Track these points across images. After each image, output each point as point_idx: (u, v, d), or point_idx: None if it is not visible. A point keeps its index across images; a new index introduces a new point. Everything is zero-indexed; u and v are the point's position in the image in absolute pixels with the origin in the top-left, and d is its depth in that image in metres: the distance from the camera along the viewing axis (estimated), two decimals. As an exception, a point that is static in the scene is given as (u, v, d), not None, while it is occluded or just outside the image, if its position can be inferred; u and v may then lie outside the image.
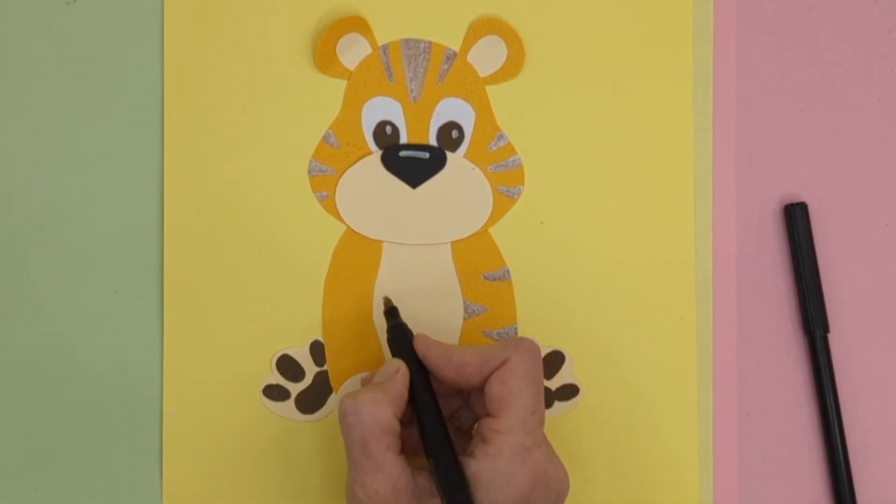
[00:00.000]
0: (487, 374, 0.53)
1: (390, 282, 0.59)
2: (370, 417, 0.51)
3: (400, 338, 0.55)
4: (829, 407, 0.60)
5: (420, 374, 0.54)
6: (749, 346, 0.61)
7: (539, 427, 0.52)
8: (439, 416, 0.53)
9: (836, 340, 0.61)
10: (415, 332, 0.55)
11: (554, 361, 0.60)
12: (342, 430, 0.52)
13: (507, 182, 0.60)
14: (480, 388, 0.53)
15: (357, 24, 0.59)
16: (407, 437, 0.54)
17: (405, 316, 0.58)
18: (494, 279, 0.60)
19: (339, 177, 0.59)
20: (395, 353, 0.55)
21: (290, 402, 0.59)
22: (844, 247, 0.61)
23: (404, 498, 0.51)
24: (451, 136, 0.60)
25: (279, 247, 0.59)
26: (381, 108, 0.60)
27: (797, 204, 0.61)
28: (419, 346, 0.54)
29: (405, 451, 0.53)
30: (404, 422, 0.53)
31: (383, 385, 0.53)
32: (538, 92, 0.60)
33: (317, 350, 0.59)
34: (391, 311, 0.57)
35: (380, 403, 0.52)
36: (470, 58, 0.60)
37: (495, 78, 0.60)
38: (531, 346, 0.53)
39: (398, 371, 0.53)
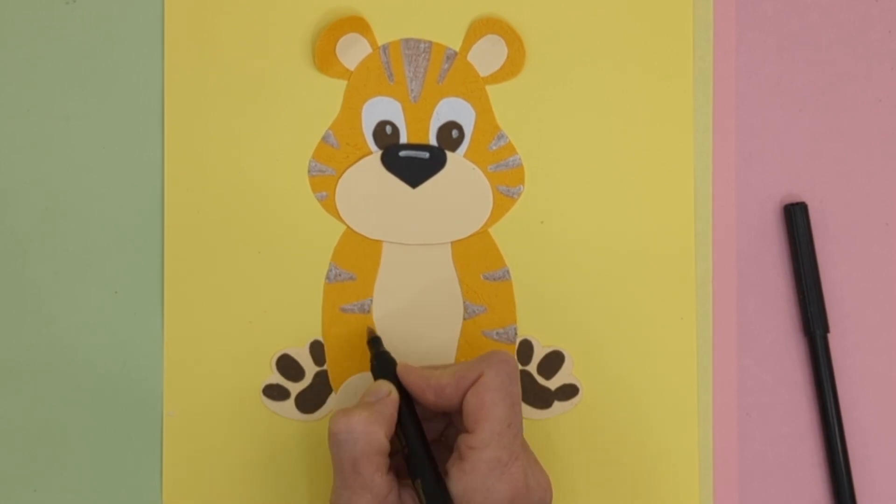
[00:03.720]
0: (464, 391, 0.53)
1: (390, 282, 0.59)
2: (364, 437, 0.51)
3: (384, 366, 0.56)
4: (829, 407, 0.60)
5: (405, 398, 0.54)
6: (749, 346, 0.61)
7: (515, 440, 0.52)
8: (424, 438, 0.54)
9: (836, 340, 0.61)
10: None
11: (554, 361, 0.60)
12: (331, 446, 0.52)
13: (507, 182, 0.60)
14: (460, 407, 0.53)
15: (357, 24, 0.59)
16: (394, 461, 0.54)
17: (406, 316, 0.58)
18: (494, 279, 0.60)
19: (339, 177, 0.59)
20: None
21: (290, 402, 0.59)
22: (844, 247, 0.61)
23: None
24: (451, 135, 0.60)
25: (279, 247, 0.59)
26: (381, 108, 0.60)
27: (797, 204, 0.61)
28: (402, 374, 0.54)
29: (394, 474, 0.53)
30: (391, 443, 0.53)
31: (376, 406, 0.53)
32: (538, 91, 0.60)
33: (317, 350, 0.59)
34: (374, 341, 0.57)
35: (374, 423, 0.52)
36: (470, 57, 0.60)
37: (495, 77, 0.60)
38: (506, 359, 0.53)
39: (390, 394, 0.54)
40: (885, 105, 0.62)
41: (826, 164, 0.62)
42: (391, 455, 0.53)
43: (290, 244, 0.59)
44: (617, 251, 0.60)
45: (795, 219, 0.60)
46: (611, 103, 0.60)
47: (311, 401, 0.59)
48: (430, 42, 0.60)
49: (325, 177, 0.59)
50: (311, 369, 0.59)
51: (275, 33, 0.59)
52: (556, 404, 0.60)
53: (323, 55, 0.59)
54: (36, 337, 0.59)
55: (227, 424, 0.59)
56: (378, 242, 0.59)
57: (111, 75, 0.59)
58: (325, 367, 0.59)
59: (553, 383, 0.60)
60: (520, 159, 0.60)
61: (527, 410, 0.59)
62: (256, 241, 0.59)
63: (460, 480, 0.51)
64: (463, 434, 0.52)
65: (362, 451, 0.51)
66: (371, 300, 0.59)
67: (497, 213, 0.60)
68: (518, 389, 0.53)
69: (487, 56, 0.60)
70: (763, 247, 0.61)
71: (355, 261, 0.59)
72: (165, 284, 0.59)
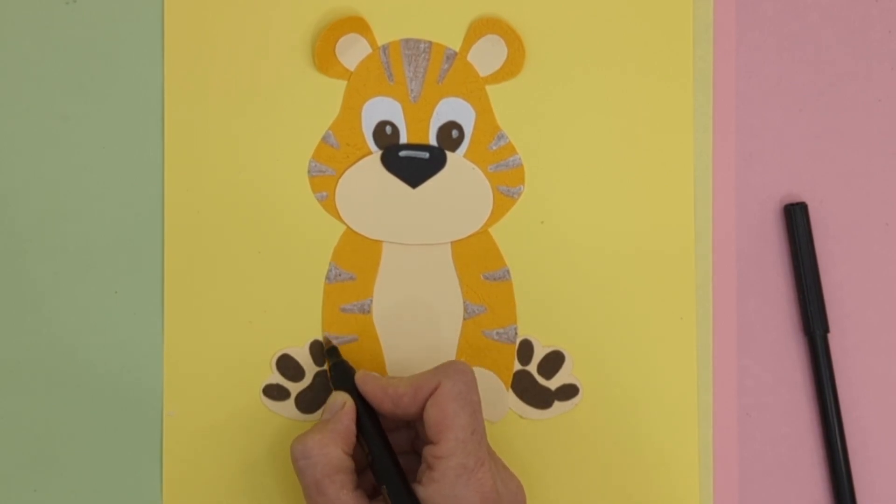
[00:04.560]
0: (422, 401, 0.53)
1: (390, 282, 0.59)
2: (321, 459, 0.52)
3: (342, 375, 0.57)
4: (829, 407, 0.60)
5: (366, 407, 0.55)
6: (749, 346, 0.61)
7: (480, 446, 0.53)
8: (386, 443, 0.54)
9: (836, 340, 0.61)
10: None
11: (554, 361, 0.60)
12: (296, 473, 0.53)
13: (507, 182, 0.60)
14: (421, 417, 0.54)
15: (357, 25, 0.59)
16: (367, 477, 0.55)
17: (406, 316, 0.58)
18: (494, 279, 0.60)
19: (339, 177, 0.59)
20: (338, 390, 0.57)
21: (290, 401, 0.59)
22: (844, 247, 0.61)
23: None
24: (451, 135, 0.60)
25: (279, 247, 0.59)
26: (381, 109, 0.60)
27: (797, 204, 0.61)
28: (360, 383, 0.55)
29: (365, 489, 0.54)
30: (357, 457, 0.54)
31: (329, 423, 0.54)
32: (538, 91, 0.60)
33: (317, 350, 0.59)
34: (331, 351, 0.58)
35: (328, 444, 0.53)
36: (470, 57, 0.60)
37: (495, 77, 0.60)
38: (462, 369, 0.54)
39: (344, 405, 0.55)
40: (885, 105, 0.62)
41: (826, 164, 0.62)
42: (362, 470, 0.54)
43: (290, 244, 0.59)
44: (617, 251, 0.60)
45: (795, 219, 0.60)
46: (611, 103, 0.60)
47: (311, 401, 0.59)
48: (430, 42, 0.60)
49: (325, 177, 0.59)
50: (311, 369, 0.59)
51: (275, 33, 0.59)
52: (557, 404, 0.60)
53: (323, 55, 0.59)
54: (36, 337, 0.59)
55: (227, 424, 0.59)
56: (378, 242, 0.59)
57: (111, 75, 0.59)
58: (325, 367, 0.59)
59: (553, 383, 0.60)
60: (520, 159, 0.60)
61: (527, 410, 0.60)
62: (256, 241, 0.59)
63: (429, 488, 0.52)
64: (428, 445, 0.53)
65: (322, 473, 0.52)
66: (371, 300, 0.59)
67: (497, 213, 0.60)
68: (477, 397, 0.54)
69: (487, 56, 0.60)
70: (763, 247, 0.61)
71: (355, 261, 0.59)
72: (165, 284, 0.59)
